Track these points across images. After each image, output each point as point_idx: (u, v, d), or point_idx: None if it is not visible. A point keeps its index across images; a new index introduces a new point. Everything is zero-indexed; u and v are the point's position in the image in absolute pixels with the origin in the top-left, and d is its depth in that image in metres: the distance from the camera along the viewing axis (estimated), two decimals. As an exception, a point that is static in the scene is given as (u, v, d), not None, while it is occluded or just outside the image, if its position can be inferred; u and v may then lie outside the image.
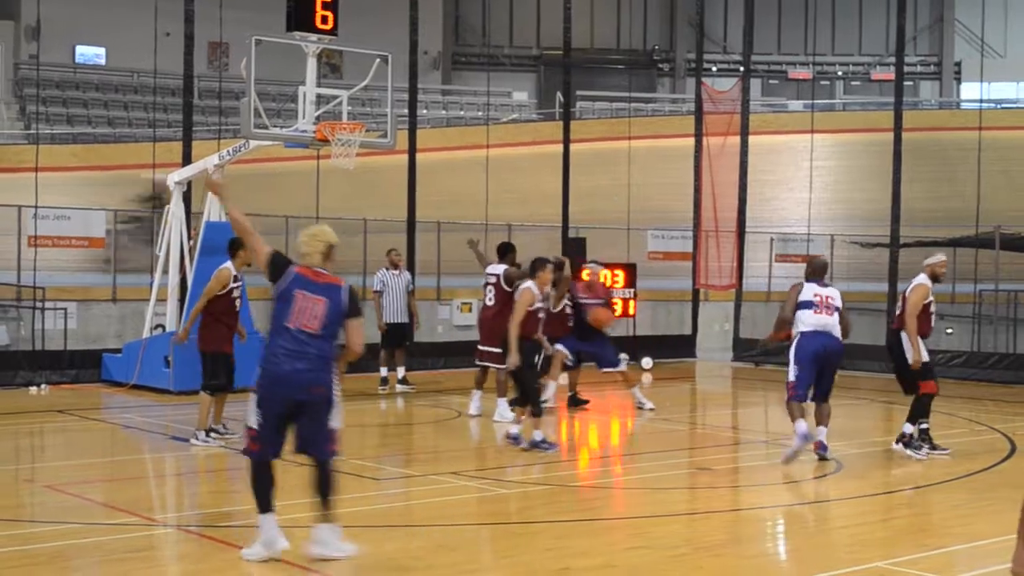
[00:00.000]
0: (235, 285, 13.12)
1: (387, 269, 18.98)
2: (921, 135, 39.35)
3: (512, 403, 14.02)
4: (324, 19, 15.88)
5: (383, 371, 18.89)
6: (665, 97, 57.19)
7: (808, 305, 12.30)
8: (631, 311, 23.52)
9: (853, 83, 59.85)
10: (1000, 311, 25.39)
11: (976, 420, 16.17)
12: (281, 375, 7.82)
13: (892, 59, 27.86)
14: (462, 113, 50.21)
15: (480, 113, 47.99)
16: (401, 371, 18.98)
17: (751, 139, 25.89)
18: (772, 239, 28.37)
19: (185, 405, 15.79)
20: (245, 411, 8.02)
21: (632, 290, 23.42)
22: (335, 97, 16.64)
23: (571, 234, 24.48)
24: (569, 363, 16.38)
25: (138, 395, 17.78)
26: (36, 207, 20.54)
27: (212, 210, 17.93)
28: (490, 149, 25.81)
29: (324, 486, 8.02)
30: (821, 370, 12.30)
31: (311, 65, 16.02)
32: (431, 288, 24.29)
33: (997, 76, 53.97)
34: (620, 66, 57.23)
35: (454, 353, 21.91)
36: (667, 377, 22.50)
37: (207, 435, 12.96)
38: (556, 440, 13.38)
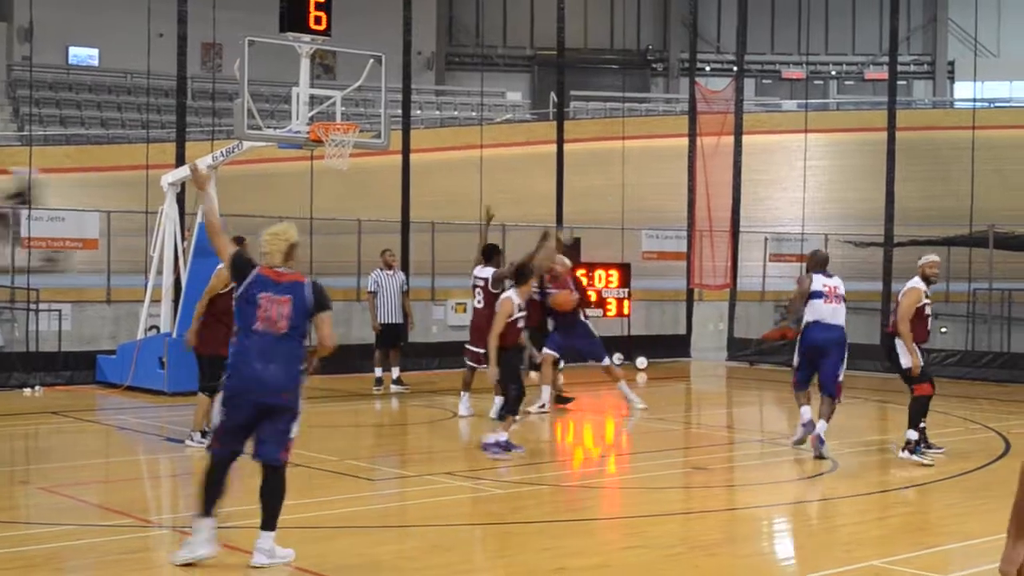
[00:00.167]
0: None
1: (381, 270, 18.99)
2: (915, 134, 39.32)
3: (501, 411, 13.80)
4: (317, 19, 15.88)
5: (378, 371, 18.90)
6: (659, 97, 57.18)
7: (818, 295, 12.87)
8: (626, 311, 23.54)
9: (847, 83, 59.86)
10: (994, 310, 25.41)
11: (971, 419, 16.19)
12: (251, 377, 7.79)
13: (885, 58, 27.90)
14: (456, 113, 50.17)
15: (474, 113, 47.93)
16: (395, 371, 18.98)
17: (745, 139, 25.92)
18: (766, 239, 28.40)
19: (179, 406, 15.78)
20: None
21: (626, 290, 23.44)
22: (328, 98, 16.62)
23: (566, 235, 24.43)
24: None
25: (132, 396, 17.76)
26: (30, 208, 20.51)
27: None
28: (484, 149, 25.83)
29: (270, 494, 7.91)
30: (822, 359, 12.79)
31: (304, 66, 16.01)
32: (425, 288, 24.27)
33: (990, 75, 53.95)
34: (614, 66, 57.19)
35: (448, 353, 21.89)
36: (662, 377, 22.52)
37: (202, 436, 12.95)
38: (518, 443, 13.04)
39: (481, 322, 15.13)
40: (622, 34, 58.52)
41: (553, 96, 37.39)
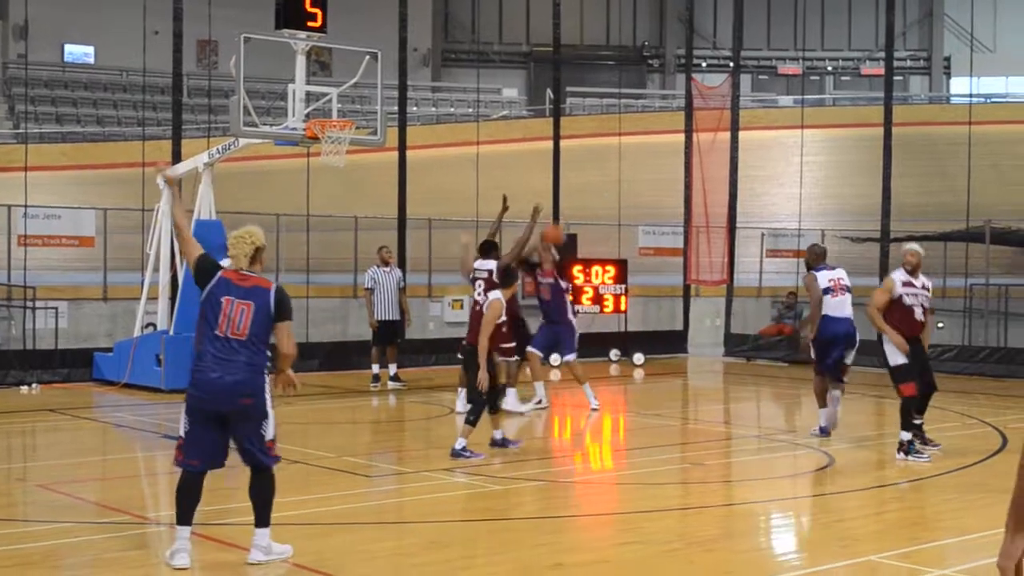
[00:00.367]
0: None
1: (378, 266, 19.00)
2: (911, 130, 39.39)
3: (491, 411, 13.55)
4: (313, 16, 15.87)
5: (375, 368, 18.92)
6: (655, 93, 57.15)
7: (826, 292, 13.23)
8: (622, 307, 23.55)
9: (843, 78, 59.85)
10: (991, 305, 25.43)
11: (967, 414, 16.20)
12: (208, 383, 7.69)
13: (882, 54, 27.85)
14: (452, 110, 50.16)
15: (470, 110, 47.91)
16: (393, 368, 18.99)
17: (741, 135, 25.92)
18: (763, 234, 28.41)
19: (176, 403, 15.65)
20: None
21: (623, 286, 23.45)
22: (325, 95, 16.63)
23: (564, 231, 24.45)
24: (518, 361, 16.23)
25: (129, 394, 17.75)
26: (26, 206, 20.50)
27: (202, 208, 17.92)
28: (480, 146, 25.82)
29: (258, 494, 7.87)
30: (834, 348, 13.26)
31: (300, 63, 16.01)
32: (422, 285, 24.28)
33: (986, 71, 53.89)
34: (610, 62, 57.17)
35: (445, 350, 21.87)
36: (658, 373, 22.52)
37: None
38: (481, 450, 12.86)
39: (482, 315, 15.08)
40: (618, 30, 58.52)
41: (549, 92, 37.41)
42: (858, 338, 13.38)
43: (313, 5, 15.87)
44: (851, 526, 9.51)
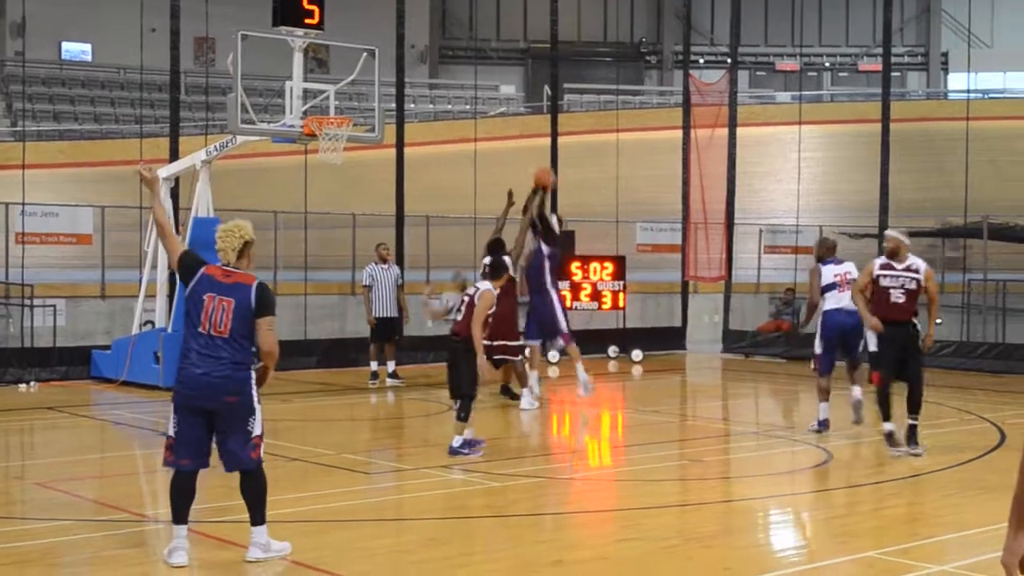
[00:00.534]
0: None
1: (376, 263, 19.00)
2: (909, 126, 39.36)
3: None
4: (310, 13, 15.85)
5: (373, 365, 18.92)
6: (653, 89, 57.08)
7: (831, 287, 13.40)
8: (620, 303, 23.55)
9: (840, 74, 59.80)
10: (989, 301, 25.41)
11: (965, 410, 16.21)
12: (193, 379, 7.68)
13: (879, 50, 27.91)
14: (449, 107, 50.10)
15: (467, 107, 47.87)
16: (391, 365, 19.00)
17: (739, 131, 25.89)
18: (761, 230, 28.41)
19: (175, 401, 15.74)
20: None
21: (621, 282, 23.45)
22: (322, 92, 16.60)
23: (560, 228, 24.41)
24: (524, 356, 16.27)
25: (128, 391, 17.74)
26: (23, 204, 20.48)
27: (200, 206, 17.90)
28: (478, 143, 25.76)
29: (249, 494, 7.84)
30: (845, 342, 13.47)
31: (298, 60, 15.99)
32: (420, 282, 24.21)
33: (984, 66, 53.93)
34: (607, 59, 57.14)
35: (443, 347, 21.81)
36: (657, 369, 22.52)
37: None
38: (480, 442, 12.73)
39: (498, 313, 15.04)
40: (616, 27, 58.50)
41: (547, 89, 37.40)
42: (866, 333, 13.32)
43: (310, 2, 15.85)
44: (850, 522, 9.51)
